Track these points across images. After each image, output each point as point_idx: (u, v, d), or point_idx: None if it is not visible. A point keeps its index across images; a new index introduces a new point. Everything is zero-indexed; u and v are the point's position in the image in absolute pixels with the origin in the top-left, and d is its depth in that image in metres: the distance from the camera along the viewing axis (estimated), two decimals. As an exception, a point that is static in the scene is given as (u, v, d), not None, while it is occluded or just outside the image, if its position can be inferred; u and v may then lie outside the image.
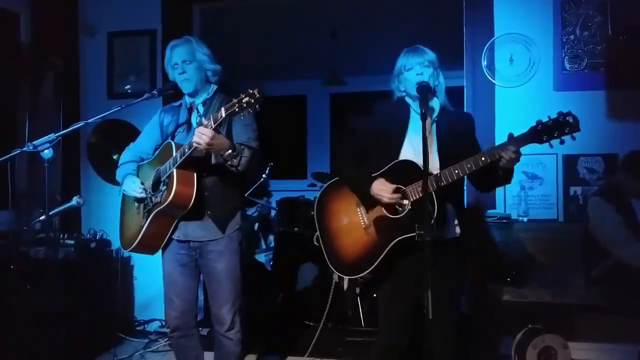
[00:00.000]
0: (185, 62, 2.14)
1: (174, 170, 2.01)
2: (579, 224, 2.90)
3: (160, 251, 2.25)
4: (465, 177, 1.84)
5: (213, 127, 1.85)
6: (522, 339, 2.82)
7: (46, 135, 1.98)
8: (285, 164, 5.99)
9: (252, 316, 2.96)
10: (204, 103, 2.21)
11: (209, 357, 2.32)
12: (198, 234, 2.16)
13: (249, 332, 2.32)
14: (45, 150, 2.29)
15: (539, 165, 3.02)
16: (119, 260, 3.45)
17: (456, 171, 1.79)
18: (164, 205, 2.03)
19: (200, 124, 1.92)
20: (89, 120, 2.15)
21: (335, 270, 2.08)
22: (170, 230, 2.17)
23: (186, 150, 1.95)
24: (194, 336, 2.29)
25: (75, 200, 2.67)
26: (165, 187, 2.05)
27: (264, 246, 4.98)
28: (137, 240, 2.15)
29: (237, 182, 2.19)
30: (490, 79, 3.16)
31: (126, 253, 3.44)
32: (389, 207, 1.90)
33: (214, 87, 2.23)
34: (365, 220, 1.97)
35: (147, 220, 2.11)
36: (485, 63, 3.16)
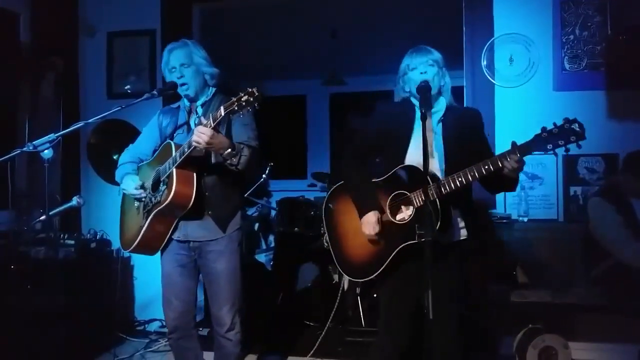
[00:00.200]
0: (183, 65, 2.13)
1: (174, 170, 2.00)
2: (579, 224, 2.91)
3: (159, 251, 2.25)
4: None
5: (212, 126, 1.85)
6: (522, 339, 2.82)
7: (46, 135, 1.98)
8: (285, 164, 5.98)
9: (252, 316, 2.96)
10: (202, 105, 2.21)
11: (209, 358, 2.32)
12: (198, 233, 2.16)
13: (249, 333, 2.31)
14: (45, 151, 2.29)
15: (539, 165, 3.02)
16: (119, 261, 3.45)
17: (459, 179, 1.78)
18: (163, 205, 2.02)
19: (199, 123, 1.92)
20: (89, 121, 2.15)
21: (343, 273, 2.10)
22: (170, 231, 2.17)
23: (186, 149, 1.95)
24: (193, 337, 2.28)
25: (75, 200, 2.66)
26: (165, 187, 2.04)
27: (264, 246, 4.98)
28: (137, 241, 2.15)
29: (237, 182, 2.18)
30: (490, 79, 3.16)
31: (126, 253, 3.43)
32: (395, 211, 1.90)
33: (212, 90, 2.23)
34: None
35: (147, 220, 2.11)
36: (484, 63, 3.16)
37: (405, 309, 1.97)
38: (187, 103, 2.23)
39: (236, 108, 1.78)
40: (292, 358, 3.05)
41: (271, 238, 4.93)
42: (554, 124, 1.69)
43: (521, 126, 3.03)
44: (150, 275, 3.45)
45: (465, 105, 3.20)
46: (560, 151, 1.71)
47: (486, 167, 1.75)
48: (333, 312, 3.08)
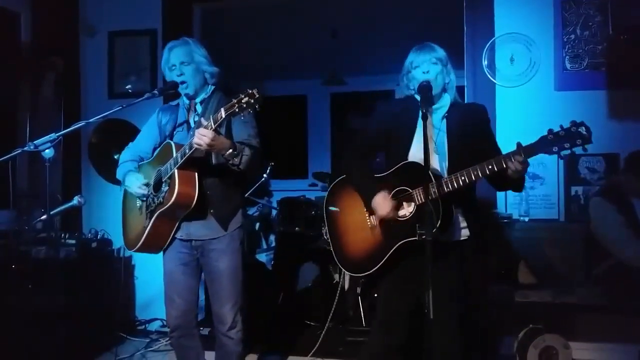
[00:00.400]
0: (183, 63, 2.13)
1: (176, 171, 2.01)
2: (580, 224, 2.90)
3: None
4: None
5: (213, 127, 1.85)
6: (523, 339, 2.82)
7: (47, 134, 1.98)
8: (286, 164, 5.98)
9: (252, 316, 2.96)
10: (201, 102, 2.21)
11: (210, 357, 2.32)
12: (200, 232, 2.16)
13: (250, 332, 2.31)
14: (46, 150, 2.29)
15: (540, 165, 3.02)
16: (122, 260, 3.45)
17: (462, 178, 1.77)
18: (167, 206, 2.03)
19: (199, 124, 1.92)
20: (90, 120, 2.14)
21: (341, 267, 2.11)
22: (174, 230, 2.17)
23: (187, 151, 1.95)
24: (195, 336, 2.29)
25: (76, 200, 2.66)
26: (167, 187, 2.05)
27: (264, 246, 4.98)
28: (141, 241, 2.16)
29: (238, 180, 2.19)
30: (491, 78, 3.16)
31: (127, 252, 3.45)
32: (397, 209, 1.89)
33: (211, 87, 2.23)
34: (372, 220, 1.97)
35: (150, 221, 2.11)
36: (485, 63, 3.15)
37: (403, 307, 1.97)
38: (186, 101, 2.23)
39: (237, 110, 1.79)
40: (293, 358, 3.05)
41: (272, 238, 4.93)
42: (561, 126, 1.66)
43: (522, 126, 3.03)
44: (151, 275, 3.45)
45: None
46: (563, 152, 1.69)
47: (490, 167, 1.74)
48: (332, 311, 3.08)
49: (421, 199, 1.83)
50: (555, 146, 1.66)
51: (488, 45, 3.15)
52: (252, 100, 1.77)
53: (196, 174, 2.05)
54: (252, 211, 4.68)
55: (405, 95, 2.03)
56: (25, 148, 1.94)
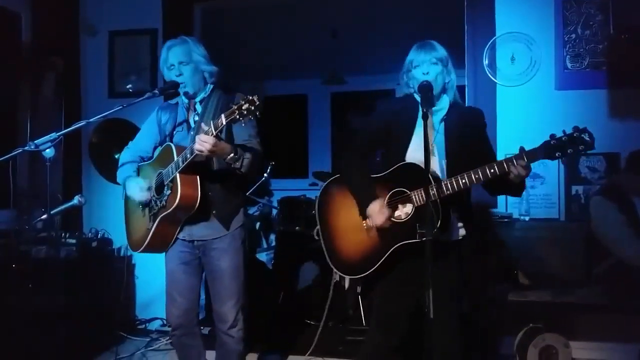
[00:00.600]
0: (182, 63, 2.13)
1: (178, 175, 2.01)
2: (581, 223, 2.90)
3: (162, 249, 2.25)
4: None
5: (214, 134, 1.86)
6: (523, 338, 2.82)
7: (47, 134, 1.98)
8: (286, 163, 5.98)
9: (253, 315, 2.96)
10: (201, 102, 2.21)
11: (210, 356, 2.32)
12: (203, 232, 2.17)
13: (250, 331, 2.31)
14: (47, 150, 2.28)
15: (541, 164, 3.01)
16: (124, 260, 3.46)
17: (463, 180, 1.76)
18: (169, 210, 2.04)
19: (200, 129, 1.92)
20: (91, 120, 2.14)
21: (334, 268, 2.06)
22: (177, 231, 2.18)
23: (188, 156, 1.96)
24: (196, 334, 2.29)
25: (76, 199, 2.67)
26: (169, 191, 2.06)
27: (265, 245, 4.99)
28: (146, 242, 2.16)
29: (239, 181, 2.19)
30: (492, 77, 3.15)
31: (128, 252, 3.45)
32: (394, 210, 1.88)
33: (210, 86, 2.23)
34: (368, 221, 1.93)
35: (153, 223, 2.12)
36: (486, 62, 3.15)
37: (401, 308, 1.96)
38: (185, 100, 2.23)
39: (237, 117, 1.79)
40: (293, 357, 3.05)
41: (272, 237, 4.93)
42: (564, 131, 1.65)
43: (523, 125, 3.03)
44: (151, 274, 3.46)
45: (466, 104, 3.21)
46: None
47: (492, 170, 1.73)
48: (326, 310, 3.07)
49: (420, 201, 1.82)
50: (557, 152, 1.65)
51: (489, 44, 3.15)
52: (253, 107, 1.78)
53: (198, 177, 2.05)
54: (252, 210, 4.68)
55: (404, 94, 2.02)
56: (26, 148, 1.94)
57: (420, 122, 1.91)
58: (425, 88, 1.84)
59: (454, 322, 1.92)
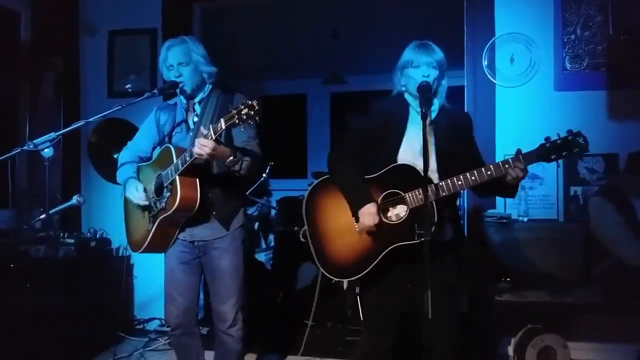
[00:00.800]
0: (182, 64, 2.13)
1: (177, 178, 2.01)
2: (579, 224, 2.90)
3: (161, 249, 2.25)
4: None
5: (214, 138, 1.86)
6: (521, 338, 2.82)
7: (46, 134, 1.98)
8: (285, 163, 5.98)
9: (252, 315, 2.96)
10: (200, 102, 2.21)
11: (209, 357, 2.32)
12: (203, 233, 2.17)
13: (249, 332, 2.31)
14: (46, 149, 2.29)
15: (539, 165, 2.97)
16: (123, 260, 3.45)
17: (459, 182, 1.77)
18: (169, 212, 2.04)
19: (199, 132, 1.93)
20: (90, 119, 2.15)
21: (324, 271, 1.99)
22: (177, 232, 2.19)
23: (187, 158, 1.96)
24: (196, 334, 2.29)
25: (75, 199, 2.66)
26: (169, 193, 2.06)
27: (264, 245, 4.98)
28: (146, 243, 2.17)
29: (238, 181, 2.19)
30: (491, 78, 3.16)
31: (126, 252, 3.44)
32: (385, 211, 1.87)
33: (209, 86, 2.23)
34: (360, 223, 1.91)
35: (153, 225, 2.13)
36: (486, 63, 3.15)
37: (394, 309, 1.96)
38: (183, 100, 2.23)
39: (237, 121, 1.79)
40: (292, 357, 3.05)
41: (271, 237, 4.93)
42: (558, 134, 1.69)
43: (522, 126, 3.03)
44: (149, 274, 3.46)
45: (465, 105, 3.21)
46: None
47: (489, 172, 1.74)
48: (313, 309, 3.06)
49: (415, 202, 1.81)
50: (553, 154, 1.69)
51: (488, 45, 3.15)
52: (252, 112, 1.78)
53: (197, 179, 2.06)
54: (251, 211, 4.67)
55: (396, 93, 2.00)
56: (25, 147, 1.94)
57: (410, 124, 1.93)
58: (425, 89, 1.84)
59: (452, 322, 1.92)
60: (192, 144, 1.94)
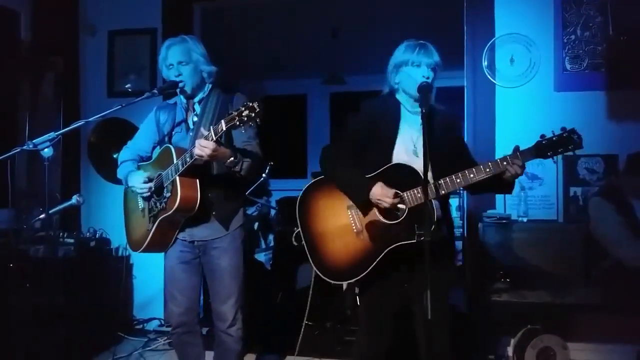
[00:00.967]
0: (181, 63, 2.12)
1: (177, 178, 2.02)
2: (579, 224, 2.90)
3: (161, 249, 2.25)
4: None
5: (214, 139, 1.86)
6: (521, 339, 2.82)
7: (46, 133, 1.98)
8: (285, 164, 5.97)
9: (251, 315, 2.96)
10: (199, 102, 2.21)
11: (209, 357, 2.32)
12: (203, 233, 2.17)
13: (248, 332, 2.32)
14: (46, 149, 2.28)
15: (539, 166, 3.01)
16: (124, 260, 3.46)
17: (458, 180, 1.77)
18: (169, 212, 2.05)
19: (198, 128, 1.92)
20: (90, 119, 2.15)
21: (320, 274, 1.96)
22: (177, 231, 2.19)
23: (187, 159, 1.96)
24: (197, 333, 2.30)
25: (75, 199, 2.66)
26: (169, 194, 2.06)
27: (263, 245, 4.98)
28: (146, 243, 2.17)
29: (238, 181, 2.19)
30: (491, 79, 3.15)
31: (126, 252, 3.45)
32: (384, 211, 1.85)
33: (209, 86, 2.23)
34: (358, 224, 1.89)
35: (153, 225, 2.13)
36: (485, 63, 3.15)
37: (390, 309, 1.96)
38: (183, 100, 2.23)
39: (237, 123, 1.80)
40: (291, 357, 3.05)
41: (271, 237, 4.93)
42: (553, 132, 1.73)
43: (522, 126, 3.03)
44: (149, 274, 3.46)
45: (465, 106, 3.21)
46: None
47: (487, 169, 1.75)
48: (307, 309, 3.06)
49: (413, 202, 1.80)
50: (549, 151, 1.72)
51: (488, 45, 3.15)
52: (253, 114, 1.78)
53: (197, 180, 2.06)
54: (251, 211, 4.67)
55: (387, 92, 1.99)
56: (25, 147, 1.94)
57: (403, 124, 1.92)
58: (425, 89, 1.84)
59: (448, 322, 1.91)
60: (192, 145, 1.94)
